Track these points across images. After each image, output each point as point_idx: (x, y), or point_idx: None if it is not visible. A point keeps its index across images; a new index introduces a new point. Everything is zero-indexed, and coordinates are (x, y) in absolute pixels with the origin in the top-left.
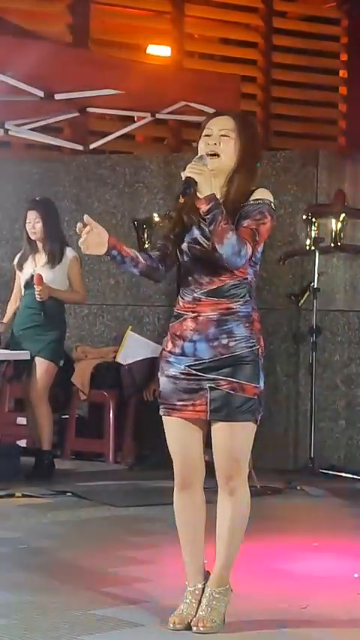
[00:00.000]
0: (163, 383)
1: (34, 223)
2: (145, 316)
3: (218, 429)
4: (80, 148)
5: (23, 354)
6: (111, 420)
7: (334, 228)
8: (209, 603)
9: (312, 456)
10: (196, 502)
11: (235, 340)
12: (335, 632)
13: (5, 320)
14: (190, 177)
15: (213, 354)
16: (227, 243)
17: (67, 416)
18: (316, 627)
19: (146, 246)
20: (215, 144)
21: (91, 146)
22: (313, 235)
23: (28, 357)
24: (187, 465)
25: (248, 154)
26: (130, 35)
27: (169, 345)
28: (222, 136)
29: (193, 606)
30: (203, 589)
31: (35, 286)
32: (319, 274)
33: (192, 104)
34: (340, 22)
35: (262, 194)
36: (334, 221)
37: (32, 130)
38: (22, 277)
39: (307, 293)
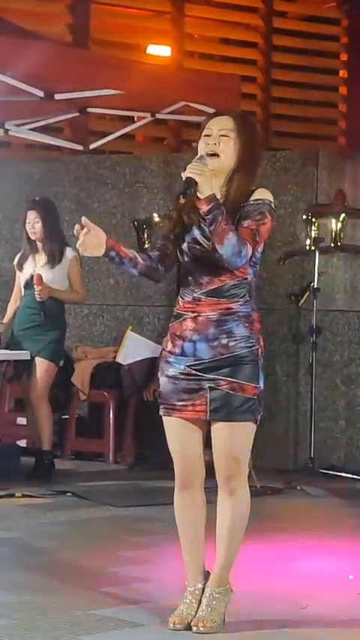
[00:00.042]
0: (163, 383)
1: (33, 223)
2: (145, 316)
3: (218, 429)
4: (80, 148)
5: (23, 354)
6: (111, 420)
7: (334, 228)
8: (209, 603)
9: (312, 456)
10: (197, 502)
11: (235, 340)
12: (335, 632)
13: (5, 320)
14: (190, 177)
15: (213, 354)
16: (227, 243)
17: (67, 416)
18: (316, 627)
19: (146, 246)
20: (215, 144)
21: (91, 146)
22: (313, 235)
23: (28, 357)
24: (188, 464)
25: (248, 153)
26: (130, 35)
27: (169, 345)
28: (222, 135)
29: (193, 606)
30: (203, 589)
31: (35, 286)
32: (319, 274)
33: (192, 104)
34: (340, 22)
35: (262, 194)
36: (334, 221)
37: (32, 130)
38: (22, 277)
39: (307, 293)
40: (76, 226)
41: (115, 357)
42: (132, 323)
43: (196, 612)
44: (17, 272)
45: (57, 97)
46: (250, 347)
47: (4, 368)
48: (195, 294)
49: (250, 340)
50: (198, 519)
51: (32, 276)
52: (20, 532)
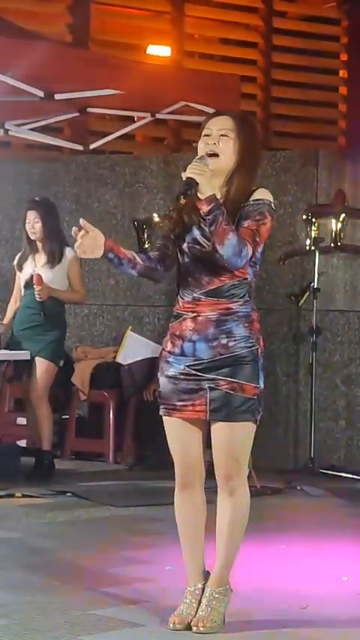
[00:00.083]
0: (163, 383)
1: (33, 223)
2: (145, 316)
3: (218, 429)
4: (80, 148)
5: (23, 354)
6: (111, 420)
7: (334, 228)
8: (209, 603)
9: (312, 456)
10: (197, 502)
11: (235, 340)
12: (335, 632)
13: (6, 321)
14: (191, 177)
15: (212, 354)
16: (228, 244)
17: (67, 416)
18: (316, 627)
19: (146, 246)
20: (214, 144)
21: (91, 146)
22: (313, 235)
23: (28, 357)
24: (188, 464)
25: (247, 153)
26: (130, 35)
27: (169, 346)
28: (221, 135)
29: (193, 606)
30: (203, 589)
31: (35, 286)
32: (319, 274)
33: (192, 104)
34: (340, 22)
35: (262, 194)
36: (334, 221)
37: (32, 130)
38: (21, 277)
39: (307, 293)
40: (74, 228)
41: (115, 357)
42: (132, 323)
43: (196, 612)
44: (17, 272)
45: (57, 97)
46: (250, 347)
47: (4, 368)
48: (195, 294)
49: (250, 340)
50: (198, 519)
51: (32, 276)
52: (20, 532)
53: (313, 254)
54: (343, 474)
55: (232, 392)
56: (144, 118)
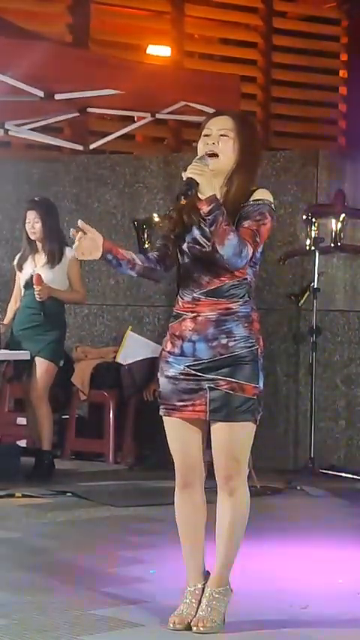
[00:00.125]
0: (163, 383)
1: (33, 223)
2: (145, 316)
3: (218, 429)
4: (80, 148)
5: (23, 354)
6: (111, 420)
7: (334, 228)
8: (209, 603)
9: (312, 456)
10: (197, 502)
11: (235, 340)
12: (335, 632)
13: (6, 321)
14: (191, 177)
15: (212, 354)
16: (228, 244)
17: (67, 416)
18: (316, 627)
19: (146, 246)
20: (214, 144)
21: (91, 146)
22: (313, 235)
23: (28, 357)
24: (188, 464)
25: (247, 153)
26: (130, 35)
27: (169, 346)
28: (221, 135)
29: (193, 606)
30: (203, 589)
31: (35, 286)
32: (319, 274)
33: (192, 104)
34: (340, 22)
35: (263, 194)
36: (334, 221)
37: (32, 130)
38: (21, 277)
39: (307, 293)
40: (72, 230)
41: (115, 357)
42: (132, 323)
43: (196, 612)
44: (17, 272)
45: (57, 97)
46: (250, 347)
47: (4, 368)
48: (194, 294)
49: (250, 340)
50: (198, 519)
51: (32, 277)
52: (20, 532)
53: (313, 254)
54: (343, 474)
55: (231, 392)
56: (144, 118)
